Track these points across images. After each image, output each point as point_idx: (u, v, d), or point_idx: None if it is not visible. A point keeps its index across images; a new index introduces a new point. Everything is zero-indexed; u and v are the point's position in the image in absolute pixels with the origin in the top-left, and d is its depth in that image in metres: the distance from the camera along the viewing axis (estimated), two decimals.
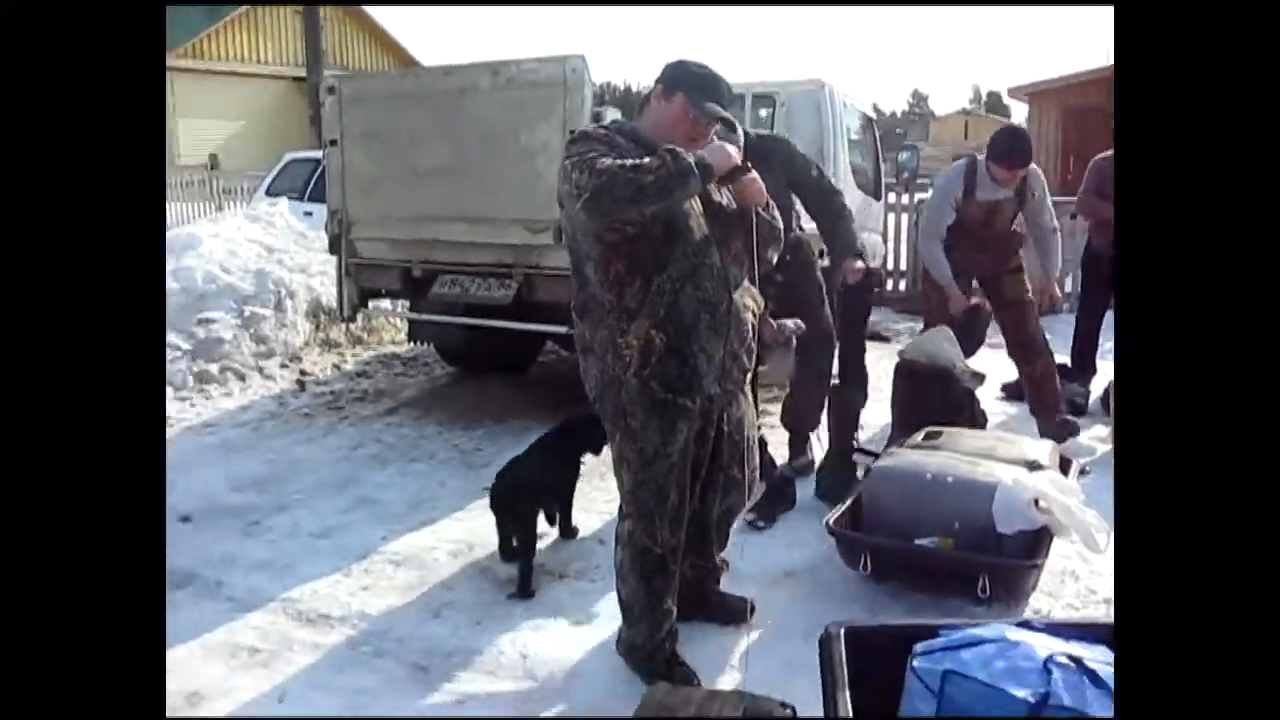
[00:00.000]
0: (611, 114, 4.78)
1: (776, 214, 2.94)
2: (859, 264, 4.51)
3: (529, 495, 3.69)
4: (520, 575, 3.54)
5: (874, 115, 9.04)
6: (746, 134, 4.02)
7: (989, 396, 5.51)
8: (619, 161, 2.46)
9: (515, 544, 3.65)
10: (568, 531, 3.97)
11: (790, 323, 3.16)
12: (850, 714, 1.93)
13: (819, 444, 4.73)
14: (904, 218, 9.81)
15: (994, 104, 62.73)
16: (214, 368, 6.55)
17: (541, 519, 3.78)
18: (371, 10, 29.37)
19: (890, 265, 9.82)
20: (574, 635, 3.19)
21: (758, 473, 3.16)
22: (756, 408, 3.38)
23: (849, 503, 3.62)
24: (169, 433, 5.58)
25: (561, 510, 3.96)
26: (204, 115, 25.15)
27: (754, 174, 2.77)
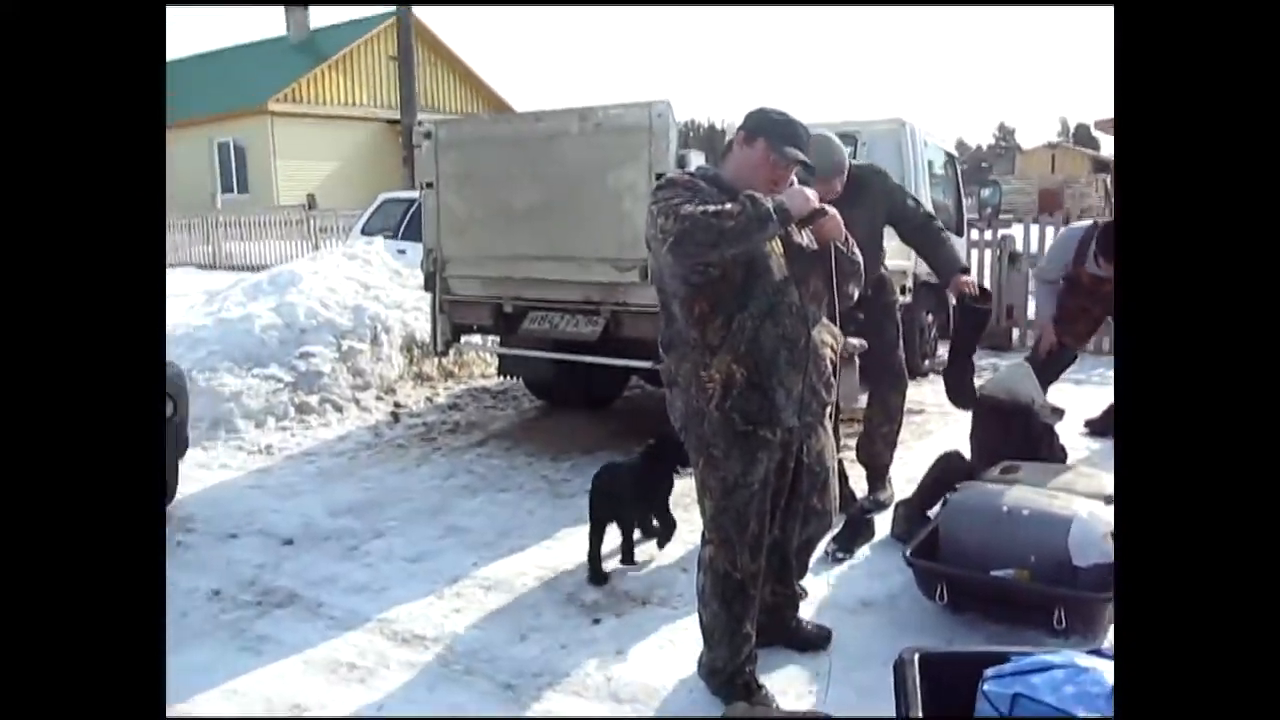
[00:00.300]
0: (695, 157, 4.89)
1: (856, 250, 3.02)
2: (967, 277, 4.47)
3: (626, 490, 4.01)
4: (623, 544, 3.99)
5: (956, 152, 9.08)
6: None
7: (1071, 432, 5.48)
8: (701, 207, 2.57)
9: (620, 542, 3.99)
10: (665, 535, 4.17)
11: (855, 341, 3.22)
12: None
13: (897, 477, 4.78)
14: (987, 254, 9.73)
15: (1082, 136, 61.33)
16: (314, 399, 6.79)
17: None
18: (462, 54, 30.04)
19: None
20: (656, 659, 3.29)
21: (838, 503, 3.24)
22: (838, 441, 3.44)
23: (925, 534, 3.66)
24: (271, 460, 5.85)
25: (657, 513, 4.14)
26: (301, 157, 25.91)
27: (833, 213, 2.87)
